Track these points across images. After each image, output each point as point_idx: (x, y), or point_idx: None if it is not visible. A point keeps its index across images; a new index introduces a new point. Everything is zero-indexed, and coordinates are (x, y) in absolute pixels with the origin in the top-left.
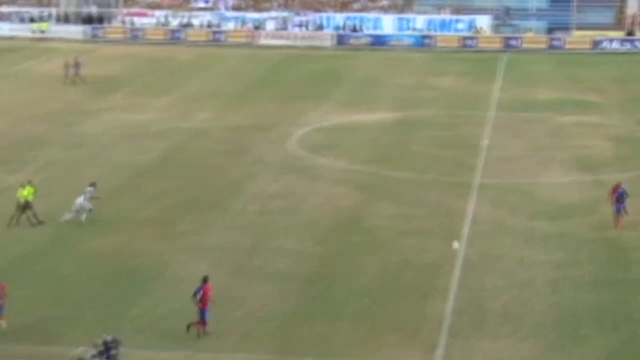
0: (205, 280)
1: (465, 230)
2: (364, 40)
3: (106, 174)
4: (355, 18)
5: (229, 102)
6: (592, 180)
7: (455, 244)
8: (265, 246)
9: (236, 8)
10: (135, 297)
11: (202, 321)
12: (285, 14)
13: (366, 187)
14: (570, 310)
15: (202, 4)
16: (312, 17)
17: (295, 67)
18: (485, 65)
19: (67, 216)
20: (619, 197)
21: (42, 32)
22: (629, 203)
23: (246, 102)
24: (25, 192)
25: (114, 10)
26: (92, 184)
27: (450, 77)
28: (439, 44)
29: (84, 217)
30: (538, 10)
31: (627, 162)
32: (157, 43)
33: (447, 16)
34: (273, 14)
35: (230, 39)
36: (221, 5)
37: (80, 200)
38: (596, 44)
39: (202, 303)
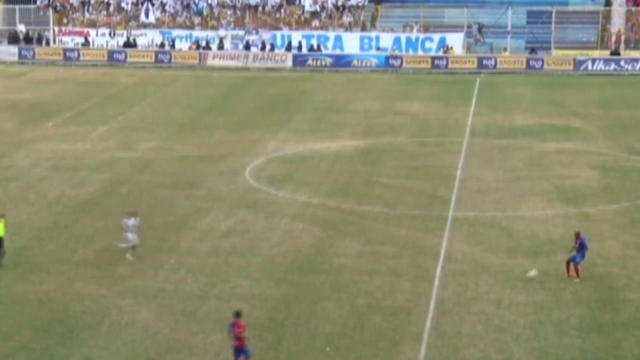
0: (238, 314)
1: (438, 270)
2: (324, 61)
3: (38, 210)
4: (314, 36)
5: (176, 130)
6: (576, 213)
7: (533, 272)
8: (217, 290)
9: (181, 25)
10: (71, 346)
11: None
12: (237, 32)
13: (328, 223)
14: (554, 357)
15: (144, 20)
16: (267, 35)
17: (250, 92)
18: (458, 87)
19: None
20: (579, 247)
21: None
22: (587, 256)
23: (195, 131)
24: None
25: (45, 28)
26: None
27: (419, 101)
28: (406, 65)
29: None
30: (515, 27)
31: (613, 193)
32: (95, 65)
33: (415, 34)
34: (223, 32)
35: (176, 61)
36: (142, 14)
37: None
38: (578, 64)
39: (239, 340)
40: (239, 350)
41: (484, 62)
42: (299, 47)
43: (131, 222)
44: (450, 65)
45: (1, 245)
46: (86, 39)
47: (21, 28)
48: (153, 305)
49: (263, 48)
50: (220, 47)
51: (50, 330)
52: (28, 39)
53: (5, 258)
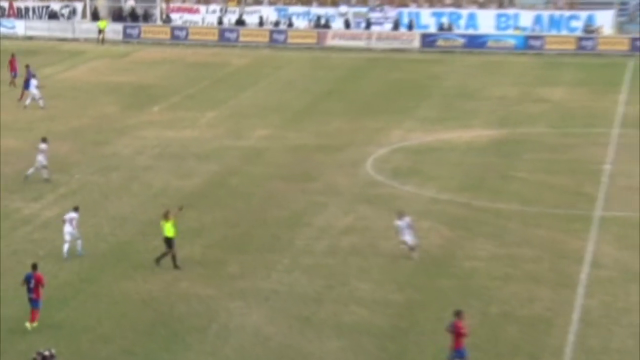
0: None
1: (583, 276)
2: (455, 42)
3: (142, 202)
4: (445, 14)
5: (291, 117)
6: None
7: None
8: (334, 293)
9: (299, 1)
10: (176, 351)
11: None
12: (359, 9)
13: (458, 222)
14: None
15: None
16: (392, 13)
17: (372, 75)
18: (607, 72)
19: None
20: None
21: (101, 31)
22: None
23: (311, 118)
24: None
25: (153, 4)
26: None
27: (562, 87)
28: (548, 46)
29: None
30: None
31: None
32: (204, 45)
33: (559, 11)
34: (344, 9)
35: (292, 40)
36: None
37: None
38: None
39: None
40: (458, 352)
41: (639, 43)
42: (428, 26)
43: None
44: (598, 47)
45: (172, 245)
46: (196, 17)
47: (131, 2)
48: (264, 308)
49: (388, 27)
50: (341, 25)
51: (153, 333)
52: (134, 16)
53: (177, 259)
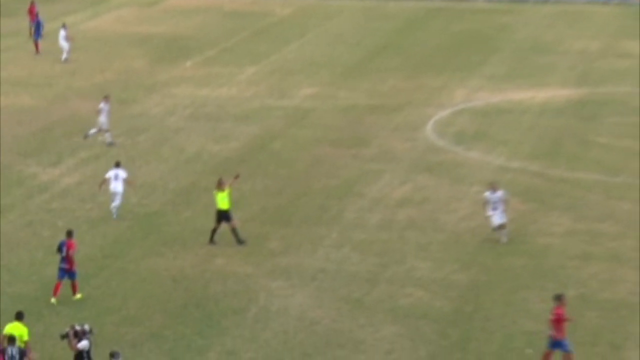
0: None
1: None
2: None
3: (173, 168)
4: None
5: (341, 73)
6: None
7: None
8: (389, 273)
9: None
10: (210, 336)
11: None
12: None
13: (531, 193)
14: None
15: None
16: None
17: (433, 27)
18: None
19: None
20: None
21: None
22: None
23: (364, 74)
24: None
25: None
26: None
27: None
28: None
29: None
30: None
31: None
32: None
33: None
34: None
35: None
36: None
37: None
38: None
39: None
40: (557, 343)
41: None
42: None
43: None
44: None
45: (229, 219)
46: None
47: None
48: (310, 289)
49: None
50: None
51: (185, 316)
52: None
53: (238, 232)
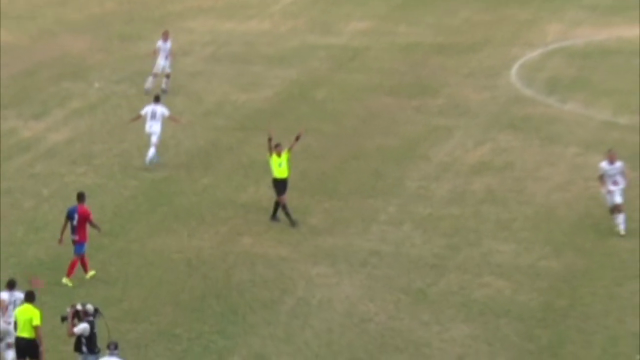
0: (80, 197)
1: None
2: None
3: (188, 123)
4: None
5: (401, 3)
6: None
7: None
8: (460, 257)
9: None
10: (234, 335)
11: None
12: None
13: None
14: None
15: None
16: None
17: None
18: None
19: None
20: None
21: None
22: None
23: (429, 5)
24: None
25: None
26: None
27: None
28: None
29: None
30: None
31: None
32: None
33: None
34: None
35: None
36: None
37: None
38: None
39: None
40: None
41: None
42: None
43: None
44: None
45: (284, 189)
46: None
47: None
48: (361, 276)
49: None
50: None
51: (202, 310)
52: None
53: (290, 211)
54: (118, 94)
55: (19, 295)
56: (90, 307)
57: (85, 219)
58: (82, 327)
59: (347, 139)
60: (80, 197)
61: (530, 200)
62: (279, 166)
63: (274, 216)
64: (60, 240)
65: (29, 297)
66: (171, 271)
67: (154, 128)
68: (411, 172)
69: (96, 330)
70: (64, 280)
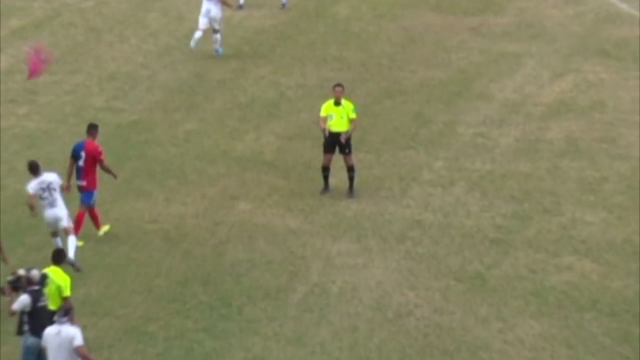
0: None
1: None
2: None
3: (164, 48)
4: None
5: None
6: None
7: None
8: (533, 230)
9: None
10: (228, 335)
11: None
12: None
13: None
14: None
15: None
16: None
17: None
18: None
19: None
20: None
21: None
22: None
23: None
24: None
25: None
26: None
27: None
28: None
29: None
30: None
31: None
32: None
33: None
34: None
35: None
36: None
37: None
38: None
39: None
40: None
41: None
42: None
43: None
44: None
45: (344, 149)
46: None
47: None
48: (396, 255)
49: None
50: None
51: (185, 300)
52: None
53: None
54: (71, 8)
55: (50, 177)
56: (36, 273)
57: (94, 158)
58: (23, 301)
59: (379, 72)
60: (91, 128)
61: (626, 154)
62: (337, 117)
63: (325, 188)
64: (67, 187)
65: (58, 258)
66: (142, 247)
67: (213, 13)
68: (465, 115)
69: (43, 303)
70: (102, 231)
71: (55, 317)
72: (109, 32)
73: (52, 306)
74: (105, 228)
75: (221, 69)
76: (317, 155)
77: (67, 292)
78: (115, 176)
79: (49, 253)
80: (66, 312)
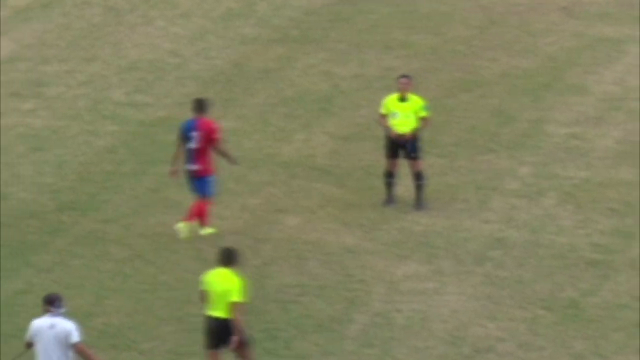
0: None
1: None
2: None
3: (197, 35)
4: None
5: None
6: None
7: None
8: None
9: None
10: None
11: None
12: None
13: None
14: None
15: None
16: None
17: None
18: None
19: None
20: None
21: None
22: None
23: None
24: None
25: None
26: None
27: None
28: None
29: None
30: None
31: None
32: None
33: None
34: None
35: None
36: None
37: None
38: None
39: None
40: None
41: None
42: None
43: None
44: None
45: (413, 152)
46: None
47: None
48: (474, 279)
49: None
50: None
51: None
52: None
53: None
54: None
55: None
56: None
57: (209, 138)
58: None
59: (453, 60)
60: (201, 104)
61: None
62: (402, 116)
63: (389, 198)
64: (174, 171)
65: (227, 258)
66: (171, 269)
67: None
68: (555, 112)
69: None
70: (204, 231)
71: (49, 308)
72: (131, 12)
73: (217, 313)
74: (209, 230)
75: (264, 57)
76: (379, 160)
77: (235, 297)
78: (233, 161)
79: (61, 275)
80: (59, 300)
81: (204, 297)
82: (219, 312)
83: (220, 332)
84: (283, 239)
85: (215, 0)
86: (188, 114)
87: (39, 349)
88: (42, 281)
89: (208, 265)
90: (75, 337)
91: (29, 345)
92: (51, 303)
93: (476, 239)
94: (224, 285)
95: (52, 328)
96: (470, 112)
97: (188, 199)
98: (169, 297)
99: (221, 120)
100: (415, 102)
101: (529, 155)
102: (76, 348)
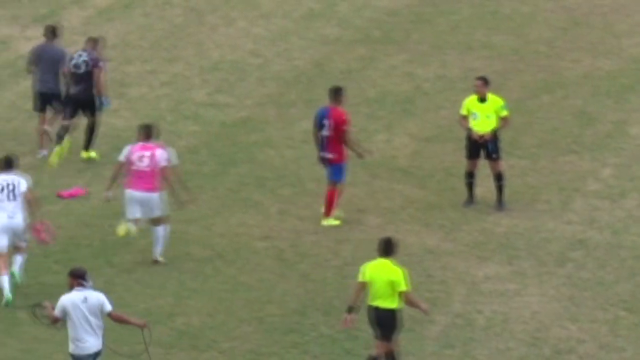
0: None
1: None
2: None
3: (276, 36)
4: None
5: None
6: None
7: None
8: None
9: None
10: None
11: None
12: None
13: None
14: None
15: None
16: None
17: None
18: None
19: None
20: None
21: None
22: None
23: None
24: None
25: None
26: None
27: None
28: None
29: None
30: None
31: None
32: None
33: None
34: None
35: None
36: None
37: None
38: None
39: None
40: None
41: None
42: None
43: None
44: None
45: (494, 152)
46: None
47: None
48: (556, 281)
49: None
50: None
51: (302, 331)
52: None
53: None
54: None
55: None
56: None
57: (341, 127)
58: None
59: (536, 61)
60: (337, 93)
61: None
62: (482, 117)
63: (470, 199)
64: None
65: (387, 249)
66: (252, 269)
67: None
68: (639, 114)
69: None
70: (326, 222)
71: (80, 281)
72: (213, 13)
73: (381, 303)
74: (334, 222)
75: (346, 58)
76: (460, 161)
77: (403, 287)
78: (361, 155)
79: (142, 275)
80: (84, 275)
81: (361, 288)
82: (383, 303)
83: (385, 322)
84: (364, 240)
85: (296, 1)
86: (269, 115)
87: (75, 322)
88: (124, 281)
89: (288, 266)
90: (109, 306)
91: (56, 320)
92: (82, 277)
93: (558, 240)
94: (389, 276)
95: (86, 301)
96: (552, 113)
97: (268, 199)
98: (249, 297)
99: (302, 121)
100: (495, 102)
101: (611, 156)
102: (112, 316)
